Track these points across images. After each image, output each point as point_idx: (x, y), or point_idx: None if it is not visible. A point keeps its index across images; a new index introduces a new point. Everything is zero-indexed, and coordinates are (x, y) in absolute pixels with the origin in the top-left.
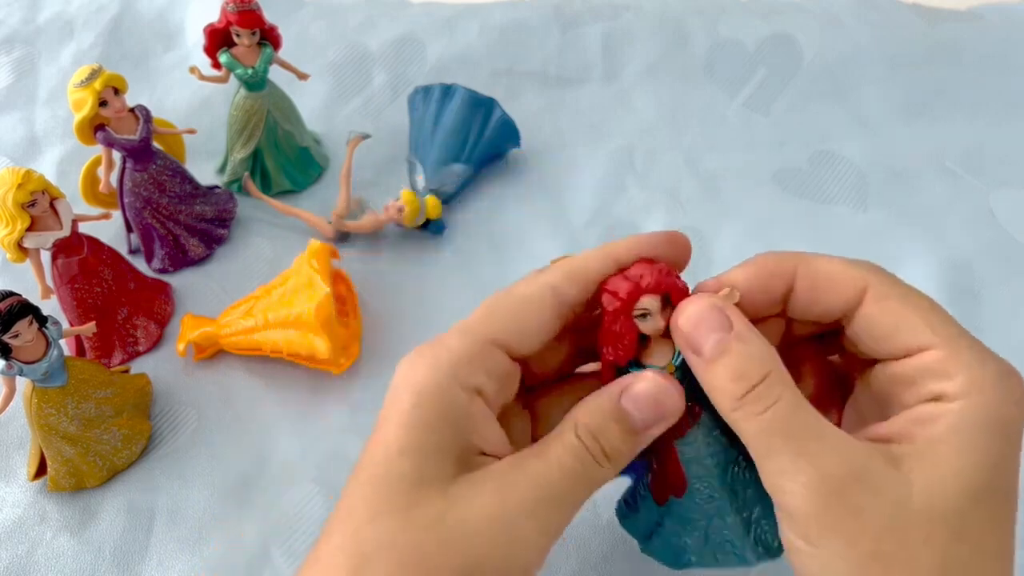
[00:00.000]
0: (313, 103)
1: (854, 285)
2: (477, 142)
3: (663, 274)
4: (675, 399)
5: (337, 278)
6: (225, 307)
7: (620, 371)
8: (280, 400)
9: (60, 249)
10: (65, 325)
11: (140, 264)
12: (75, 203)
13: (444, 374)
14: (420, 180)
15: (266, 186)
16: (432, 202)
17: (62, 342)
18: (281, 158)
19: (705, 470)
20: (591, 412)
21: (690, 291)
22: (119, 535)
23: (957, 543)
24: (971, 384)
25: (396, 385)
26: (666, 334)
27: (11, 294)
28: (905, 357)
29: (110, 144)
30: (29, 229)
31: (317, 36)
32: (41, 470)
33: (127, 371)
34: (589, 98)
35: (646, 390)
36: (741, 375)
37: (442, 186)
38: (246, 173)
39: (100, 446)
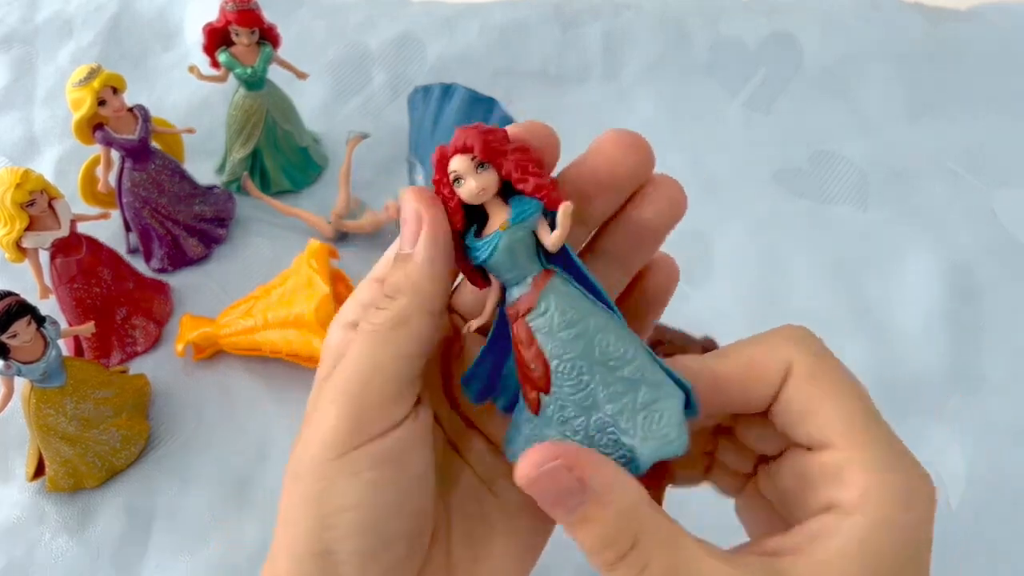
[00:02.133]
0: (312, 103)
1: (776, 369)
2: None
3: (472, 132)
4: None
5: (336, 278)
6: (224, 307)
7: (466, 248)
8: (279, 400)
9: (59, 249)
10: (64, 325)
11: (139, 264)
12: (74, 203)
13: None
14: (420, 179)
15: (265, 186)
16: None
17: (60, 342)
18: (280, 158)
19: (565, 347)
20: None
21: (529, 152)
22: (118, 535)
23: None
24: (869, 497)
25: None
26: (498, 193)
27: (9, 294)
28: (810, 450)
29: (109, 143)
30: (28, 229)
31: (317, 35)
32: (40, 470)
33: (126, 371)
34: (589, 97)
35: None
36: (609, 543)
37: None
38: (245, 173)
39: (99, 446)
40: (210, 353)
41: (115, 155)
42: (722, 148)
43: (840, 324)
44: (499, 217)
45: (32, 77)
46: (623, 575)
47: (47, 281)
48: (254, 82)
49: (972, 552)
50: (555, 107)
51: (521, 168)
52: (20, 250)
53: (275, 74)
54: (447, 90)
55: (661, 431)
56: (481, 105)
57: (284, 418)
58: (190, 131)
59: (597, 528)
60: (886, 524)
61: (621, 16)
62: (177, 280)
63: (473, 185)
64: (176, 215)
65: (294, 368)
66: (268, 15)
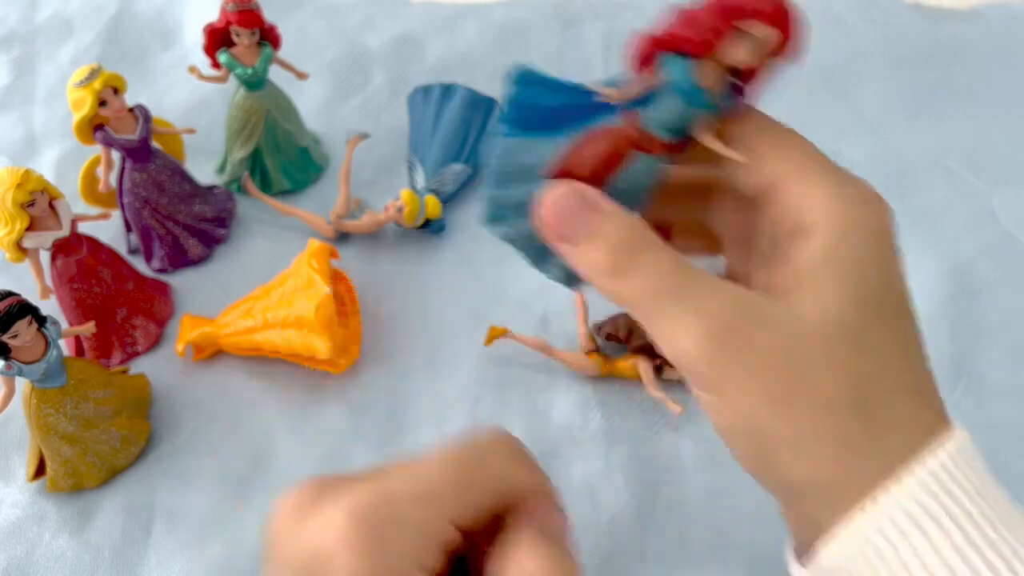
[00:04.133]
0: (312, 103)
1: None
2: (477, 142)
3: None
4: None
5: (337, 278)
6: (224, 307)
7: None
8: (279, 400)
9: (59, 249)
10: (64, 325)
11: (139, 264)
12: (74, 203)
13: (408, 562)
14: (420, 180)
15: (265, 186)
16: (432, 202)
17: (61, 342)
18: (280, 158)
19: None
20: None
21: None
22: (118, 535)
23: (859, 356)
24: (830, 210)
25: (328, 564)
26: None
27: (10, 294)
28: (768, 194)
29: (109, 144)
30: (28, 229)
31: (316, 35)
32: (40, 470)
33: (126, 371)
34: None
35: None
36: (617, 249)
37: (442, 186)
38: (245, 173)
39: (99, 446)
40: (210, 353)
41: (115, 155)
42: None
43: None
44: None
45: (32, 77)
46: (630, 281)
47: (48, 281)
48: (255, 82)
49: None
50: None
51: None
52: (21, 250)
53: (275, 74)
54: (447, 90)
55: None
56: (481, 105)
57: (284, 418)
58: (190, 131)
59: (605, 238)
60: (858, 223)
61: (621, 16)
62: (178, 280)
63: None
64: (177, 215)
65: (294, 368)
66: (268, 15)
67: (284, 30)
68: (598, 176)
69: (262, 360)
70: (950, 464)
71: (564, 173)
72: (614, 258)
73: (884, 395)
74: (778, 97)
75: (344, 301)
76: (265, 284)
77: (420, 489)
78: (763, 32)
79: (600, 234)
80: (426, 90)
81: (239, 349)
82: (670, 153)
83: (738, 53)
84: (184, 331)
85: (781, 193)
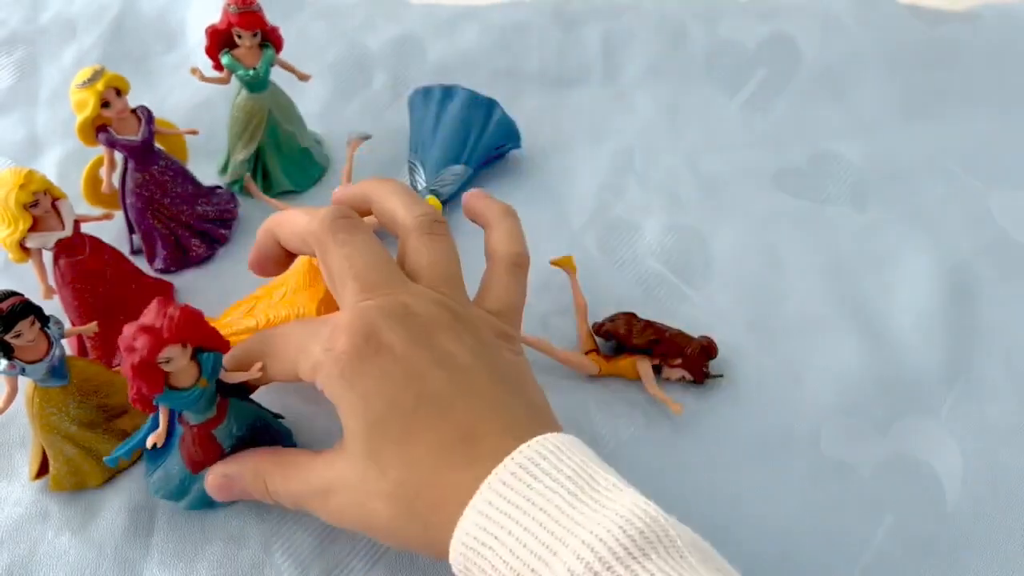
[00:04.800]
0: (313, 104)
1: None
2: (477, 143)
3: (181, 322)
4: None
5: None
6: (226, 307)
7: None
8: (280, 399)
9: (62, 249)
10: (67, 325)
11: (142, 264)
12: (77, 204)
13: None
14: (420, 180)
15: (267, 187)
16: (432, 202)
17: (64, 342)
18: (282, 159)
19: (235, 440)
20: None
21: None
22: (121, 534)
23: (380, 476)
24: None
25: None
26: (194, 357)
27: (13, 294)
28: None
29: (112, 145)
30: (31, 229)
31: (317, 37)
32: (43, 469)
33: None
34: (589, 98)
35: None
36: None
37: (442, 186)
38: (247, 174)
39: (102, 445)
40: None
41: (118, 156)
42: (721, 149)
43: (838, 324)
44: (186, 372)
45: (35, 78)
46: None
47: (50, 281)
48: (256, 84)
49: (970, 552)
50: (555, 108)
51: None
52: (23, 250)
53: (276, 75)
54: (447, 91)
55: None
56: (481, 106)
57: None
58: (193, 132)
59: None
60: (347, 368)
61: (621, 18)
62: (180, 281)
63: (184, 362)
64: (179, 216)
65: None
66: (269, 17)
67: (285, 32)
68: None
69: None
70: (499, 487)
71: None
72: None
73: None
74: (777, 99)
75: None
76: (267, 284)
77: None
78: (171, 352)
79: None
80: (426, 91)
81: None
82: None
83: (173, 367)
84: None
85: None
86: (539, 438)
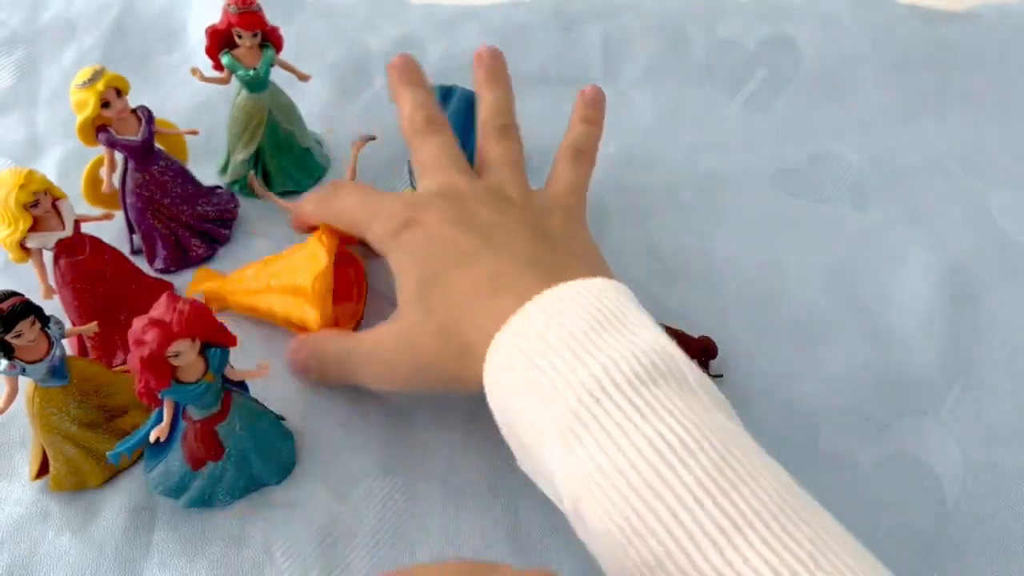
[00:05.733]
0: (313, 104)
1: None
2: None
3: (191, 317)
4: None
5: (349, 260)
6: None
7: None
8: (281, 401)
9: (62, 249)
10: (67, 325)
11: (142, 264)
12: (77, 204)
13: None
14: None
15: (268, 187)
16: None
17: (64, 342)
18: (282, 159)
19: (236, 438)
20: None
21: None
22: (121, 534)
23: (427, 318)
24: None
25: None
26: (201, 352)
27: (13, 294)
28: None
29: (112, 145)
30: (31, 229)
31: (317, 37)
32: (43, 469)
33: (128, 371)
34: None
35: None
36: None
37: None
38: (251, 172)
39: (102, 445)
40: (216, 308)
41: (118, 156)
42: (721, 149)
43: (838, 324)
44: (194, 367)
45: (35, 78)
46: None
47: (51, 281)
48: (256, 84)
49: (971, 552)
50: (555, 109)
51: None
52: (24, 250)
53: (276, 75)
54: (446, 92)
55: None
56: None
57: (286, 416)
58: (193, 132)
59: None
60: (387, 243)
61: (620, 18)
62: (180, 280)
63: (192, 357)
64: (179, 216)
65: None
66: (269, 17)
67: (285, 32)
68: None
69: (264, 345)
70: (536, 308)
71: None
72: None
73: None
74: (776, 99)
75: (351, 285)
76: (278, 252)
77: None
78: (180, 346)
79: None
80: None
81: (242, 307)
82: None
83: (182, 362)
84: (196, 281)
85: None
86: (575, 281)
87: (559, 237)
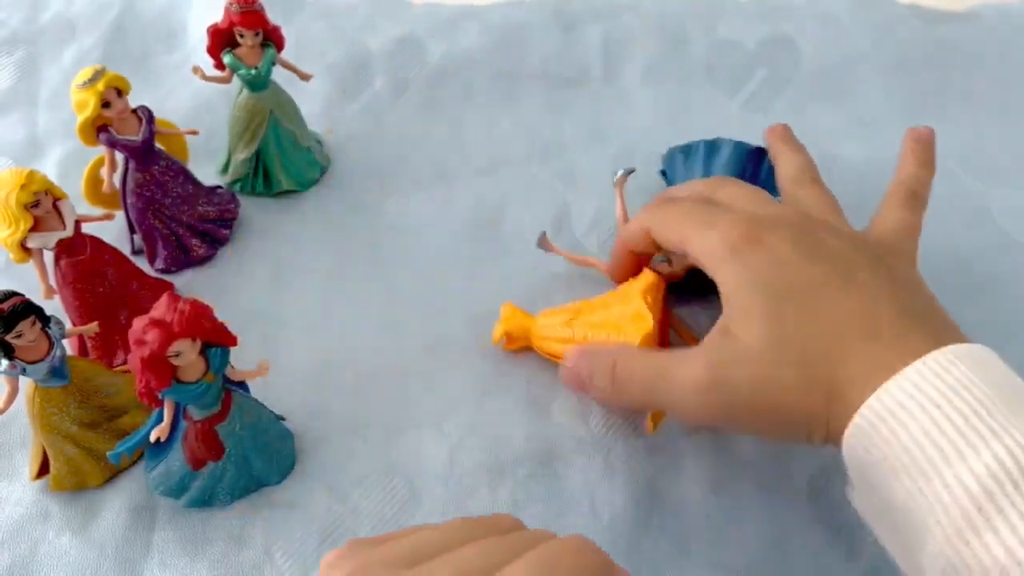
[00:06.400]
0: (313, 104)
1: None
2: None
3: (191, 317)
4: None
5: (664, 315)
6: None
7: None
8: (281, 401)
9: (63, 249)
10: (68, 325)
11: (142, 264)
12: (78, 204)
13: None
14: None
15: (268, 186)
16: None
17: (64, 342)
18: (283, 158)
19: (237, 438)
20: None
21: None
22: (121, 534)
23: (776, 354)
24: (713, 267)
25: None
26: (202, 352)
27: (14, 294)
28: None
29: (112, 145)
30: (32, 229)
31: (317, 37)
32: (43, 469)
33: (129, 371)
34: (589, 98)
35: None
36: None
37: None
38: (544, 232)
39: (102, 445)
40: (519, 346)
41: (119, 156)
42: None
43: None
44: (194, 367)
45: (35, 79)
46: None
47: (51, 281)
48: (258, 83)
49: None
50: (555, 109)
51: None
52: (24, 251)
53: (276, 74)
54: (711, 146)
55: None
56: (752, 156)
57: (288, 418)
58: (193, 132)
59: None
60: (724, 273)
61: (621, 18)
62: (181, 281)
63: (193, 357)
64: (180, 216)
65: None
66: (269, 16)
67: (285, 31)
68: None
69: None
70: (938, 367)
71: None
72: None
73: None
74: (776, 99)
75: (666, 332)
76: (590, 300)
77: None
78: (181, 346)
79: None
80: (686, 150)
81: (548, 353)
82: None
83: (183, 361)
84: (504, 319)
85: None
86: (968, 345)
87: (916, 284)
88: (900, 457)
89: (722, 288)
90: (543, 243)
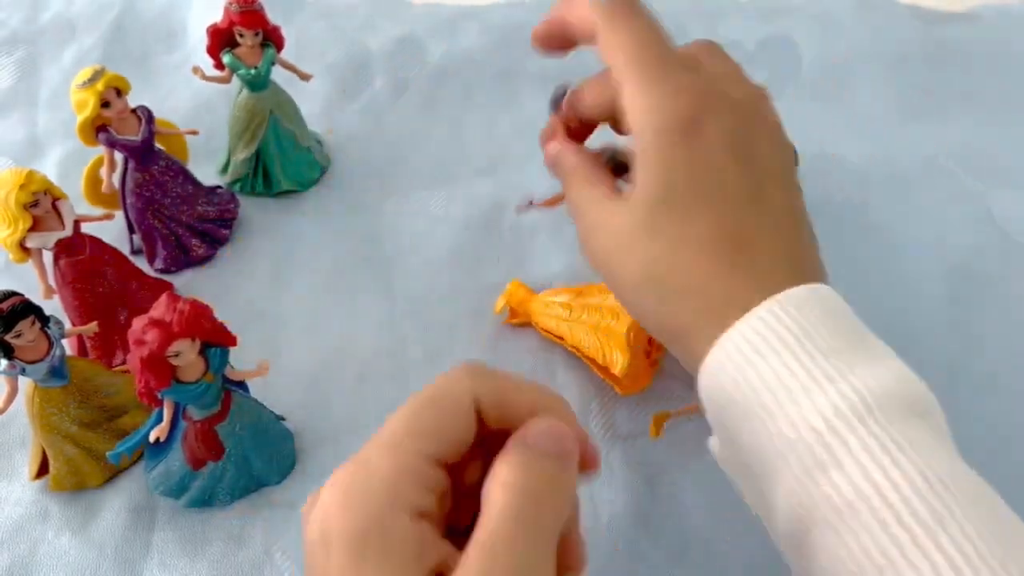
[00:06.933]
0: (313, 104)
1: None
2: None
3: (191, 317)
4: None
5: None
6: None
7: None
8: (281, 402)
9: (62, 249)
10: (67, 325)
11: (142, 264)
12: (77, 204)
13: (383, 504)
14: None
15: (268, 186)
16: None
17: (64, 342)
18: (283, 158)
19: (236, 438)
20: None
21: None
22: (121, 534)
23: (650, 241)
24: (643, 120)
25: (326, 533)
26: (201, 352)
27: (13, 294)
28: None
29: (112, 145)
30: (31, 229)
31: (317, 37)
32: (43, 469)
33: (128, 371)
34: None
35: None
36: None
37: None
38: (529, 201)
39: (102, 445)
40: (520, 321)
41: (118, 156)
42: None
43: None
44: (193, 367)
45: (35, 79)
46: None
47: (51, 281)
48: (258, 83)
49: None
50: None
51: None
52: (24, 250)
53: (276, 74)
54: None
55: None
56: None
57: (287, 415)
58: (193, 132)
59: None
60: (656, 131)
61: None
62: (180, 280)
63: (193, 357)
64: (179, 216)
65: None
66: (269, 16)
67: (285, 31)
68: None
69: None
70: (785, 308)
71: None
72: None
73: (676, 273)
74: (776, 99)
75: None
76: (592, 284)
77: (383, 442)
78: (181, 346)
79: None
80: None
81: (546, 330)
82: None
83: (182, 362)
84: (509, 293)
85: (619, 103)
86: (826, 287)
87: (801, 214)
88: (748, 397)
89: (640, 156)
90: (523, 208)
